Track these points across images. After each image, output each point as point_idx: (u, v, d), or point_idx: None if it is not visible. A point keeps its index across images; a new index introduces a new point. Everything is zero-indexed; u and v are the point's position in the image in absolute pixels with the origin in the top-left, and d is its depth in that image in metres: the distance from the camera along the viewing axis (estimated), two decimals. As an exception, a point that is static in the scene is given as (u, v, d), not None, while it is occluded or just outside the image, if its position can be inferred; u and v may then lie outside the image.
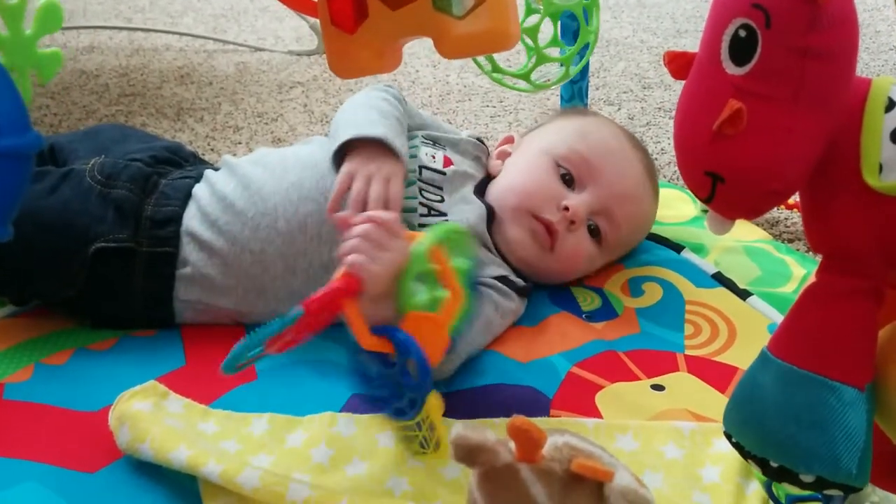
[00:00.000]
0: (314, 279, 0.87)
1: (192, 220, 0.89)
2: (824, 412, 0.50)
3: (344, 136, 0.88)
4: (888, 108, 0.49)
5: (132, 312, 0.88)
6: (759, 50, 0.48)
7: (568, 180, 0.94)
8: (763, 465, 0.53)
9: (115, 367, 0.83)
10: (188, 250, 0.88)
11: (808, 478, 0.51)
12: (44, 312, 0.91)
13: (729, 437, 0.56)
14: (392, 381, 0.68)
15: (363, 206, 0.83)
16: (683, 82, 0.53)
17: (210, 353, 0.85)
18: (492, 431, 0.49)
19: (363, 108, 0.93)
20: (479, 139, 1.03)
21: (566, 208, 0.92)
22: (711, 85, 0.50)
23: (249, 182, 0.91)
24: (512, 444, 0.48)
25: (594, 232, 0.95)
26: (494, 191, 0.96)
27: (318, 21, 0.66)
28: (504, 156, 1.01)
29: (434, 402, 0.69)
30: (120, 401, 0.73)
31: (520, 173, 0.95)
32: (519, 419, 0.47)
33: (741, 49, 0.48)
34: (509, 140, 1.04)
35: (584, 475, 0.47)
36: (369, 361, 0.68)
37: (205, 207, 0.89)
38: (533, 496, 0.47)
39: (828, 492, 0.52)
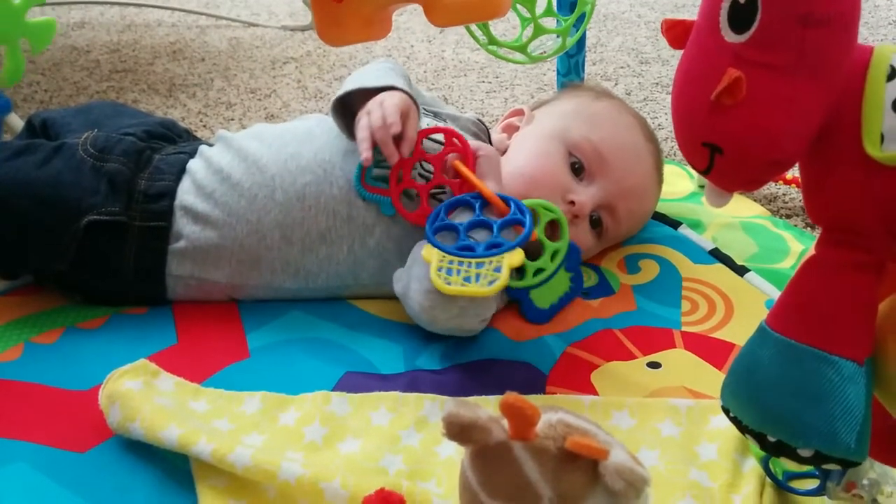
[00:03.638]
0: (310, 248, 0.87)
1: (186, 193, 0.88)
2: (823, 386, 0.50)
3: (347, 87, 0.89)
4: (890, 77, 0.48)
5: (124, 287, 0.88)
6: (758, 17, 0.47)
7: (577, 169, 0.93)
8: (761, 439, 0.52)
9: (105, 346, 0.82)
10: (182, 223, 0.87)
11: (806, 452, 0.51)
12: (34, 290, 0.91)
13: (727, 411, 0.55)
14: (472, 228, 0.82)
15: (384, 124, 0.84)
16: (681, 56, 0.52)
17: (202, 331, 0.85)
18: (485, 409, 0.49)
19: (369, 71, 0.93)
20: (479, 119, 1.01)
21: (572, 202, 0.90)
22: (710, 53, 0.49)
23: (247, 154, 0.90)
24: (505, 422, 0.48)
25: (595, 223, 0.94)
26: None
27: (309, -6, 0.65)
28: (511, 129, 0.99)
29: (518, 255, 0.77)
30: (110, 379, 0.72)
31: (529, 157, 0.93)
32: (512, 396, 0.46)
33: (741, 16, 0.47)
34: (518, 113, 1.01)
35: (578, 453, 0.46)
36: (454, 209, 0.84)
37: (200, 181, 0.89)
38: (526, 474, 0.47)
39: (826, 466, 0.52)
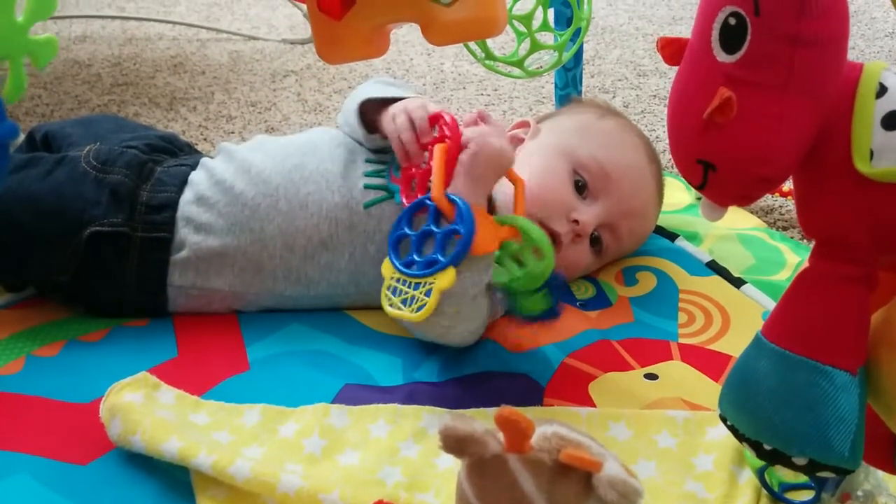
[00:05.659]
0: (311, 256, 0.89)
1: (188, 205, 0.89)
2: (817, 396, 0.50)
3: (363, 96, 0.90)
4: (879, 94, 0.48)
5: (126, 298, 0.88)
6: (748, 38, 0.47)
7: (581, 187, 0.93)
8: (756, 447, 0.53)
9: (106, 359, 0.82)
10: (184, 233, 0.88)
11: (800, 460, 0.51)
12: (35, 303, 0.91)
13: (724, 419, 0.56)
14: (424, 239, 0.76)
15: (411, 126, 0.85)
16: (675, 75, 0.53)
17: (202, 343, 0.86)
18: (480, 422, 0.49)
19: (378, 84, 0.94)
20: None
21: (576, 221, 0.90)
22: (703, 73, 0.50)
23: (250, 166, 0.91)
24: (501, 435, 0.48)
25: (595, 241, 0.94)
26: (504, 182, 0.95)
27: (315, 9, 0.66)
28: (516, 142, 0.99)
29: (447, 276, 0.72)
30: (111, 392, 0.73)
31: (534, 174, 0.91)
32: (506, 409, 0.47)
33: (731, 37, 0.48)
34: (524, 125, 1.01)
35: (572, 465, 0.47)
36: (419, 212, 0.78)
37: (203, 192, 0.89)
38: (521, 486, 0.47)
39: (821, 474, 0.52)
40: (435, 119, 0.86)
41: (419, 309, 0.71)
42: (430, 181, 0.83)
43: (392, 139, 0.87)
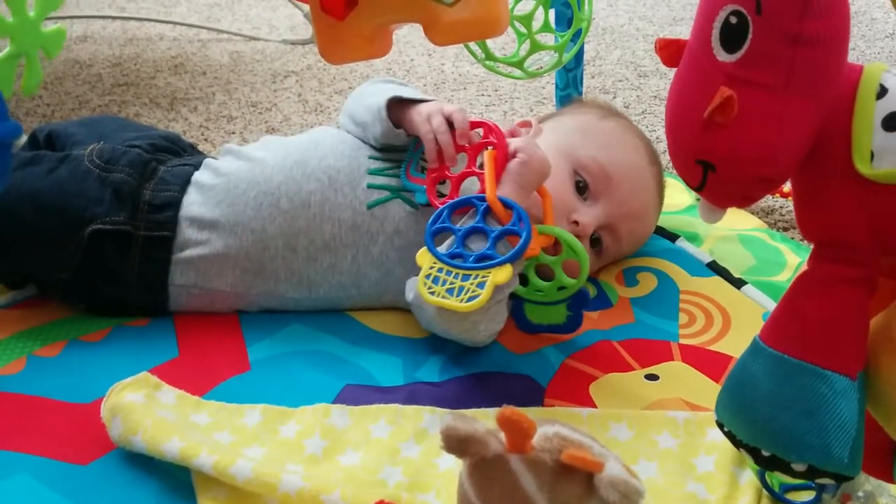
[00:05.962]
0: (314, 258, 0.89)
1: (191, 204, 0.89)
2: (816, 401, 0.50)
3: (389, 94, 0.91)
4: (879, 95, 0.48)
5: (127, 296, 0.88)
6: (749, 37, 0.47)
7: (581, 188, 0.93)
8: (755, 454, 0.53)
9: (107, 359, 0.82)
10: (187, 233, 0.88)
11: (799, 467, 0.51)
12: (36, 303, 0.91)
13: (721, 425, 0.56)
14: (469, 235, 0.79)
15: (447, 126, 0.88)
16: (674, 75, 0.53)
17: (203, 343, 0.86)
18: (482, 422, 0.49)
19: (383, 84, 0.95)
20: None
21: (576, 222, 0.90)
22: (703, 72, 0.50)
23: (253, 164, 0.92)
24: (502, 435, 0.48)
25: (595, 242, 0.94)
26: None
27: (314, 9, 0.66)
28: None
29: (505, 271, 0.75)
30: (112, 392, 0.73)
31: None
32: (508, 409, 0.47)
33: (732, 36, 0.48)
34: (526, 125, 1.01)
35: (574, 466, 0.47)
36: (459, 210, 0.82)
37: (205, 192, 0.90)
38: (523, 486, 0.47)
39: (820, 480, 0.52)
40: (476, 125, 0.88)
41: (470, 299, 0.73)
42: (462, 183, 0.87)
43: (426, 139, 0.88)
